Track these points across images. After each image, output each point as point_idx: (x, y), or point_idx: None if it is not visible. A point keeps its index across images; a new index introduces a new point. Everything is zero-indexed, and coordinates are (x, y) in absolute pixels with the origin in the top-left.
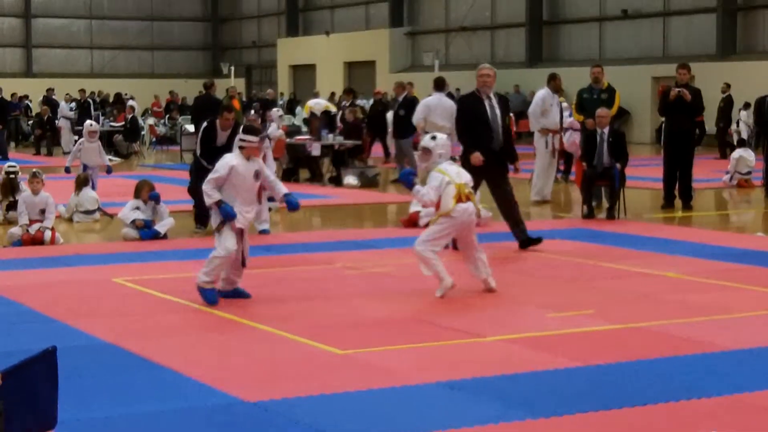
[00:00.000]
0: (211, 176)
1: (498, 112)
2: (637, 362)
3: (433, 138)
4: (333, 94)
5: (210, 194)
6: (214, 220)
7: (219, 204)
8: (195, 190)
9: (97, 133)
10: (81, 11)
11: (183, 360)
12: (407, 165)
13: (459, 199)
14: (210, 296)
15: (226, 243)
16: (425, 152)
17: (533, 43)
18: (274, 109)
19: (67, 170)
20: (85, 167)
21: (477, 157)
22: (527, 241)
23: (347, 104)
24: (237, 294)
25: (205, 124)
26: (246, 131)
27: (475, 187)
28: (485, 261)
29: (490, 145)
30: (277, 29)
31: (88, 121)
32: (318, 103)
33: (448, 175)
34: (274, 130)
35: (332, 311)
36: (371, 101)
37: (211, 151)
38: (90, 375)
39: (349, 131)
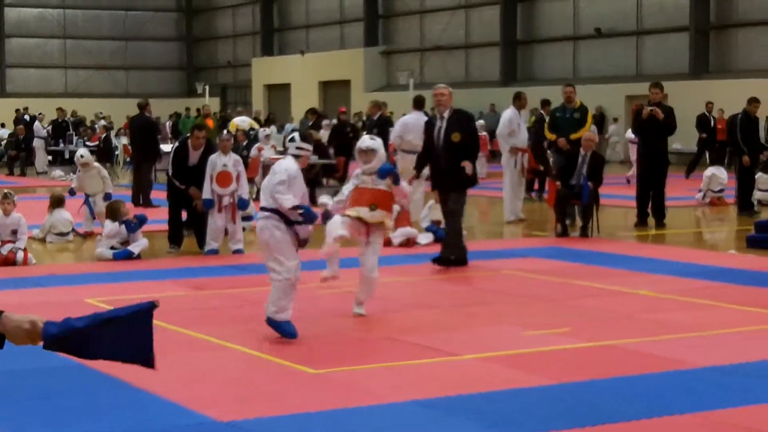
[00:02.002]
0: (279, 179)
1: (443, 131)
2: (611, 380)
3: (373, 139)
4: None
5: (287, 197)
6: (303, 232)
7: (298, 208)
8: (171, 207)
9: (89, 164)
10: (55, 31)
11: (156, 380)
12: None
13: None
14: (287, 329)
15: (288, 263)
16: (370, 153)
17: (507, 62)
18: (261, 129)
19: (72, 192)
20: (87, 198)
21: (411, 180)
22: (444, 260)
23: (310, 124)
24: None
25: (176, 143)
26: (302, 140)
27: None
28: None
29: (436, 164)
30: (252, 49)
31: (79, 152)
32: (243, 121)
33: (360, 178)
34: (255, 150)
35: (306, 331)
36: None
37: (183, 171)
38: (62, 396)
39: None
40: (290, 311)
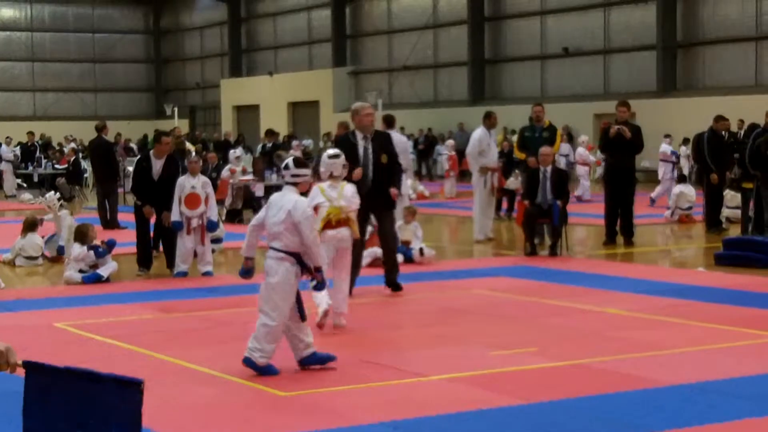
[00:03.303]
0: (311, 226)
1: (370, 152)
2: (579, 399)
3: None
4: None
5: (322, 254)
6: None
7: (320, 270)
8: (139, 229)
9: (53, 210)
10: (23, 54)
11: None
12: None
13: (328, 223)
14: (270, 370)
15: (285, 309)
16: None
17: (476, 81)
18: (231, 151)
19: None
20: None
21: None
22: (393, 285)
23: (269, 146)
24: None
25: (138, 156)
26: (297, 164)
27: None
28: (346, 293)
29: (363, 182)
30: (220, 70)
31: (48, 196)
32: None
33: (326, 195)
34: (225, 171)
35: (276, 352)
36: (260, 145)
37: (145, 185)
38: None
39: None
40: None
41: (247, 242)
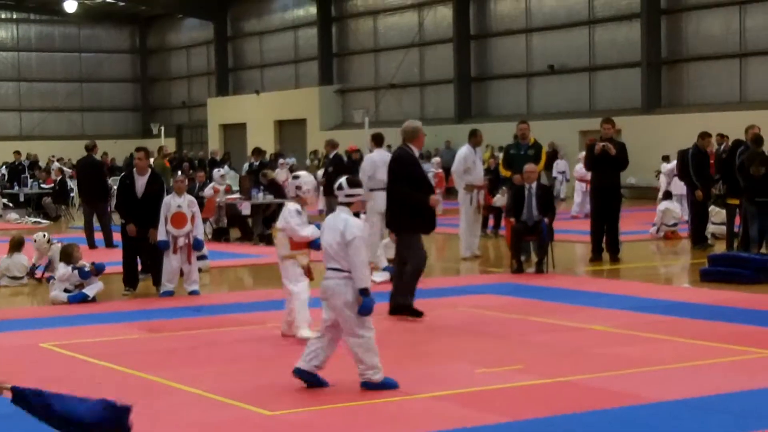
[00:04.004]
0: (360, 245)
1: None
2: (565, 416)
3: (296, 177)
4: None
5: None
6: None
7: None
8: (126, 249)
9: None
10: (9, 74)
11: None
12: None
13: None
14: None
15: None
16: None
17: (462, 99)
18: (216, 170)
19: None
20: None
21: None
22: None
23: (256, 164)
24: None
25: (123, 174)
26: (351, 185)
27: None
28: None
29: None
30: (207, 89)
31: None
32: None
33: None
34: (209, 189)
35: (262, 372)
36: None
37: (130, 202)
38: None
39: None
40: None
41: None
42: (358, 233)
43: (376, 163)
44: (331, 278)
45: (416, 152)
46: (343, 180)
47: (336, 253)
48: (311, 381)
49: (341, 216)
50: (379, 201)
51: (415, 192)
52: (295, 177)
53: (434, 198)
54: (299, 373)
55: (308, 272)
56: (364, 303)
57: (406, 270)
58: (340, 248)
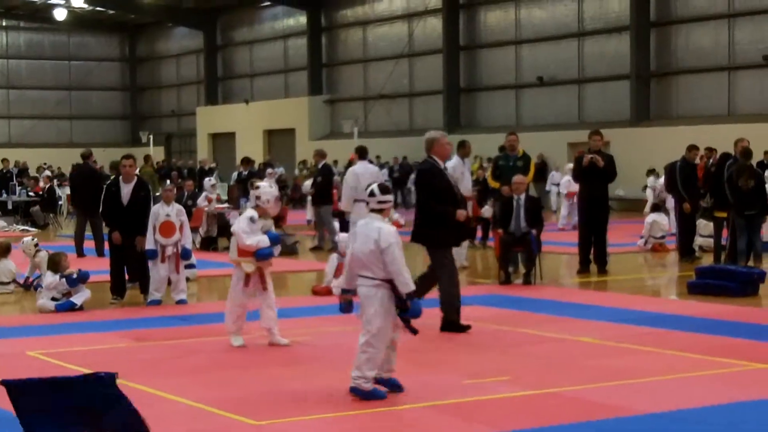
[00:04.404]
0: (398, 251)
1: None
2: (552, 428)
3: (257, 187)
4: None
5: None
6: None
7: (412, 296)
8: (113, 257)
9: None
10: None
11: None
12: (327, 233)
13: None
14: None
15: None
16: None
17: (451, 110)
18: (206, 179)
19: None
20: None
21: None
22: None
23: (245, 174)
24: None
25: (108, 181)
26: (383, 191)
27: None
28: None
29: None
30: (196, 98)
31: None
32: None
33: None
34: (202, 199)
35: (249, 381)
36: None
37: (115, 210)
38: None
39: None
40: None
41: (347, 275)
42: (392, 240)
43: (359, 175)
44: (363, 285)
45: (440, 163)
46: (374, 186)
47: (368, 261)
48: (391, 386)
49: (374, 224)
50: (363, 211)
51: (440, 204)
52: (256, 187)
53: (461, 212)
54: (379, 382)
55: (247, 280)
56: (412, 307)
57: (442, 289)
58: (372, 256)
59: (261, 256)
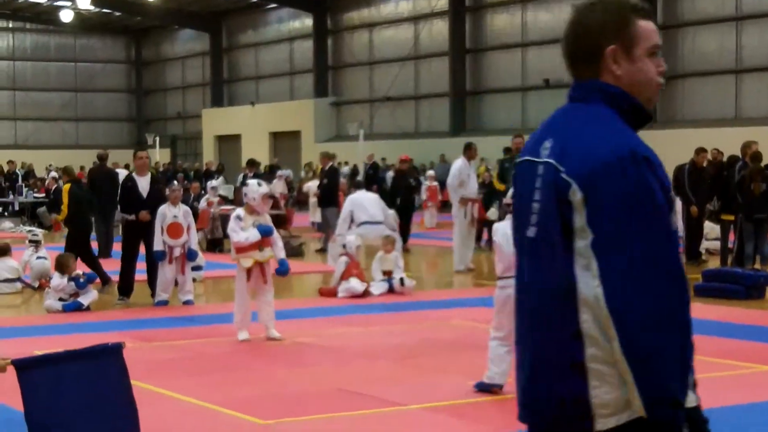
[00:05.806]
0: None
1: None
2: None
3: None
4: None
5: None
6: None
7: None
8: (124, 258)
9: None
10: (4, 83)
11: None
12: (332, 234)
13: None
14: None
15: None
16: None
17: (457, 112)
18: (209, 182)
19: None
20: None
21: None
22: None
23: (251, 176)
24: None
25: (124, 178)
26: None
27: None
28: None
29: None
30: (202, 100)
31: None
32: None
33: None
34: (203, 202)
35: (255, 382)
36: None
37: (135, 199)
38: None
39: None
40: None
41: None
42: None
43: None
44: (509, 287)
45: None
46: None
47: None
48: (483, 388)
49: (500, 225)
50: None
51: None
52: (245, 185)
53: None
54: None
55: (248, 275)
56: None
57: None
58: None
59: (263, 232)
